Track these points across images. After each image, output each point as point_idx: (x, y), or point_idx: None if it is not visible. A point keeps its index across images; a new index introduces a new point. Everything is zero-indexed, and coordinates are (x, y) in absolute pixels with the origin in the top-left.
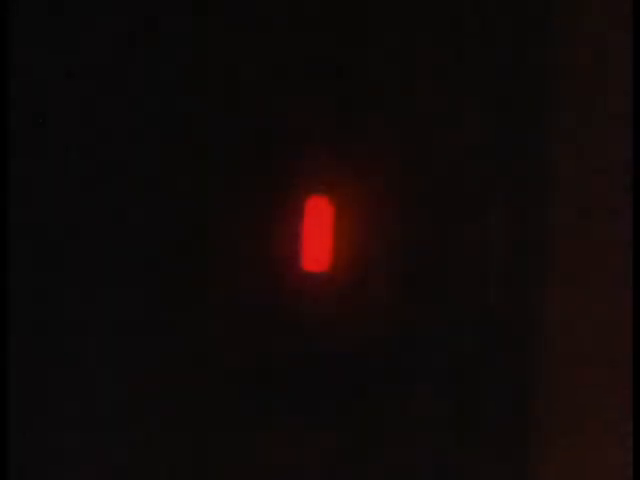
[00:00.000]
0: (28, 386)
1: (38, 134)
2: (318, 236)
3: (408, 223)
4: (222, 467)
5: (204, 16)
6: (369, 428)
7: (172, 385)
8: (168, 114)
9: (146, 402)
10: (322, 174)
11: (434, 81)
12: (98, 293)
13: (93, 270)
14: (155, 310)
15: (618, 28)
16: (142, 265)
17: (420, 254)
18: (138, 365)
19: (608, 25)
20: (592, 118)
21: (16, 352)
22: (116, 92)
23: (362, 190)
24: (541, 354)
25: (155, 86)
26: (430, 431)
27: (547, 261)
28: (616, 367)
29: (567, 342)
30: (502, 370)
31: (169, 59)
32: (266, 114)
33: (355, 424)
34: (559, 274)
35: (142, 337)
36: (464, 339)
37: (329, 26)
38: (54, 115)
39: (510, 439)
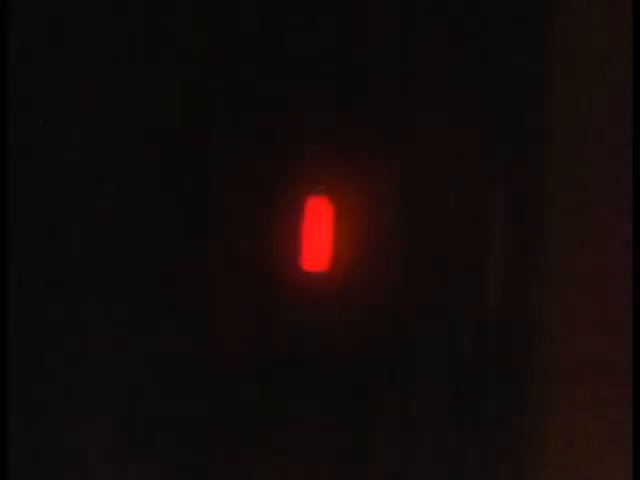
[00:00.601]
0: (28, 386)
1: (38, 134)
2: (318, 236)
3: (408, 223)
4: (222, 467)
5: (204, 16)
6: (369, 428)
7: (172, 385)
8: (168, 114)
9: (146, 402)
10: (322, 174)
11: (434, 81)
12: (98, 293)
13: (93, 270)
14: (155, 310)
15: (618, 28)
16: (142, 265)
17: (420, 254)
18: (138, 365)
19: (608, 25)
20: (592, 118)
21: (16, 352)
22: (116, 92)
23: (362, 190)
24: (541, 354)
25: (155, 86)
26: (430, 431)
27: (547, 261)
28: (616, 367)
29: (567, 342)
30: (502, 370)
31: (169, 59)
32: (266, 114)
33: (355, 424)
34: (559, 274)
35: (142, 337)
36: (464, 339)
37: (329, 26)
38: (54, 115)
39: (510, 439)
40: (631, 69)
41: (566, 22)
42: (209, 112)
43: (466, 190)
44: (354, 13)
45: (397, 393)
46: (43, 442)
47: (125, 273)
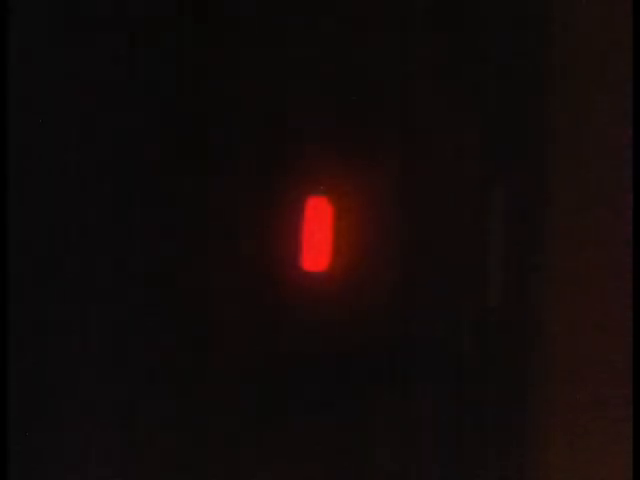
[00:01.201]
0: (28, 386)
1: (38, 134)
2: (318, 236)
3: (408, 223)
4: (222, 467)
5: (204, 15)
6: (369, 428)
7: (172, 385)
8: (168, 114)
9: (146, 402)
10: (322, 174)
11: (434, 81)
12: (98, 293)
13: (92, 270)
14: (155, 310)
15: (618, 28)
16: (141, 265)
17: (420, 254)
18: (138, 365)
19: (608, 25)
20: (592, 118)
21: (16, 352)
22: (116, 92)
23: (362, 190)
24: (541, 354)
25: (155, 86)
26: (430, 431)
27: (547, 261)
28: (616, 367)
29: (567, 342)
30: (502, 370)
31: (169, 59)
32: (266, 114)
33: (355, 424)
34: (559, 274)
35: (142, 337)
36: (464, 339)
37: (329, 26)
38: (54, 115)
39: (510, 439)
40: (631, 69)
41: (566, 22)
42: (209, 112)
43: (466, 190)
44: (354, 13)
45: (397, 393)
46: (43, 442)
47: (124, 273)
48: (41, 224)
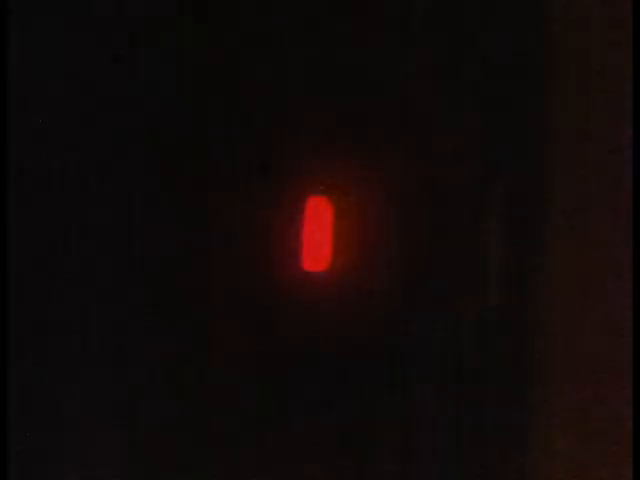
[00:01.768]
0: (28, 386)
1: (38, 134)
2: (318, 236)
3: (408, 223)
4: (222, 467)
5: (204, 15)
6: (369, 428)
7: (171, 385)
8: (167, 114)
9: (146, 402)
10: (322, 174)
11: (434, 80)
12: (97, 293)
13: (92, 270)
14: (155, 310)
15: (618, 28)
16: (141, 265)
17: (420, 254)
18: (138, 365)
19: (608, 25)
20: (592, 118)
21: (16, 352)
22: (116, 92)
23: (362, 190)
24: (541, 354)
25: (155, 86)
26: (430, 431)
27: (547, 261)
28: (616, 367)
29: (567, 342)
30: (502, 370)
31: (169, 59)
32: (266, 114)
33: (355, 424)
34: (559, 274)
35: (141, 337)
36: (464, 339)
37: (329, 25)
38: (54, 115)
39: (510, 439)
40: (631, 69)
41: (566, 22)
42: (208, 112)
43: (466, 190)
44: (354, 13)
45: (397, 393)
46: (43, 442)
47: (124, 273)
48: (41, 224)
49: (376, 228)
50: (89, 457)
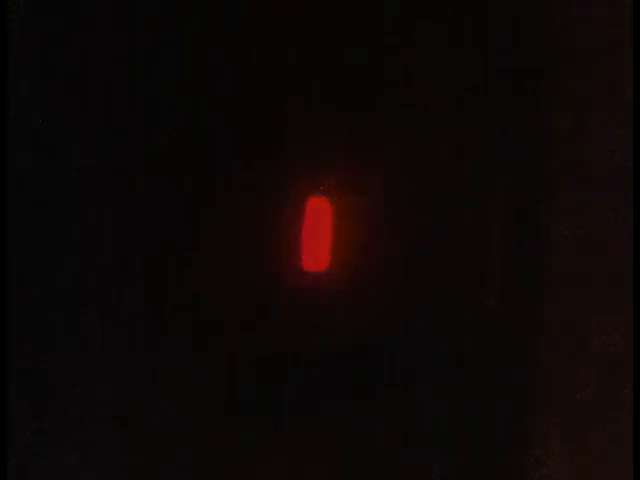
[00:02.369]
0: (28, 386)
1: (39, 133)
2: (318, 236)
3: (408, 223)
4: (222, 467)
5: (204, 15)
6: (369, 428)
7: (171, 385)
8: (168, 114)
9: (146, 402)
10: (322, 174)
11: (434, 80)
12: (97, 293)
13: (92, 270)
14: (154, 310)
15: (618, 27)
16: (141, 265)
17: (420, 254)
18: (138, 365)
19: (608, 25)
20: (592, 118)
21: (16, 352)
22: (116, 91)
23: (362, 190)
24: (541, 354)
25: (155, 85)
26: (430, 431)
27: (547, 261)
28: (616, 367)
29: (567, 342)
30: (502, 370)
31: (170, 58)
32: (266, 114)
33: (355, 424)
34: (559, 274)
35: (141, 337)
36: (464, 339)
37: (329, 25)
38: (54, 115)
39: (510, 439)
40: (631, 69)
41: (566, 22)
42: (208, 112)
43: (466, 190)
44: (354, 13)
45: (397, 393)
46: (43, 442)
47: (124, 273)
48: (41, 224)
49: (376, 228)
50: (89, 457)
